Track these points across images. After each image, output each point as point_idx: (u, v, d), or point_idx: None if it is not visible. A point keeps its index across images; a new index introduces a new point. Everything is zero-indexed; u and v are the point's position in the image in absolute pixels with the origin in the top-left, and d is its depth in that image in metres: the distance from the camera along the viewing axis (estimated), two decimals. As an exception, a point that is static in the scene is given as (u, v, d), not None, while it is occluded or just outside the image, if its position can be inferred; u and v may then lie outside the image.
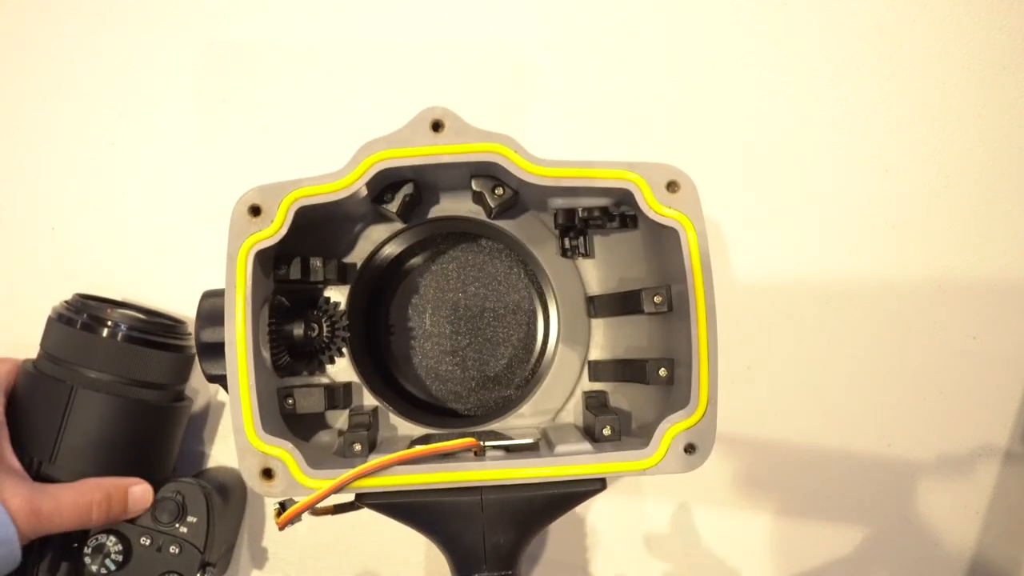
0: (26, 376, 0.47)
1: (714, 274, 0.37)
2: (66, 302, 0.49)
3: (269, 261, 0.41)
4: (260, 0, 0.58)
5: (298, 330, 0.43)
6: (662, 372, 0.40)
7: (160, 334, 0.48)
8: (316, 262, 0.43)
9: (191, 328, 0.48)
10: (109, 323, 0.46)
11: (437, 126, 0.38)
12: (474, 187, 0.41)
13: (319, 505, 0.37)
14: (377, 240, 0.46)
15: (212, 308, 0.40)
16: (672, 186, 0.38)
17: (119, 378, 0.46)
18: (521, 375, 0.49)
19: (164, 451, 0.49)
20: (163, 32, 0.58)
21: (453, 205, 0.45)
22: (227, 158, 0.58)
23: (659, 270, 0.42)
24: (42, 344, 0.48)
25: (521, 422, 0.45)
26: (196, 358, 0.41)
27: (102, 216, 0.57)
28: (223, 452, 0.56)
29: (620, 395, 0.45)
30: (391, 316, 0.49)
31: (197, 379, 0.55)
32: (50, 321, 0.47)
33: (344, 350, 0.45)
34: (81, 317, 0.46)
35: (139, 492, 0.44)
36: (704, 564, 0.57)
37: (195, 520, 0.45)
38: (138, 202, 0.58)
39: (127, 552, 0.45)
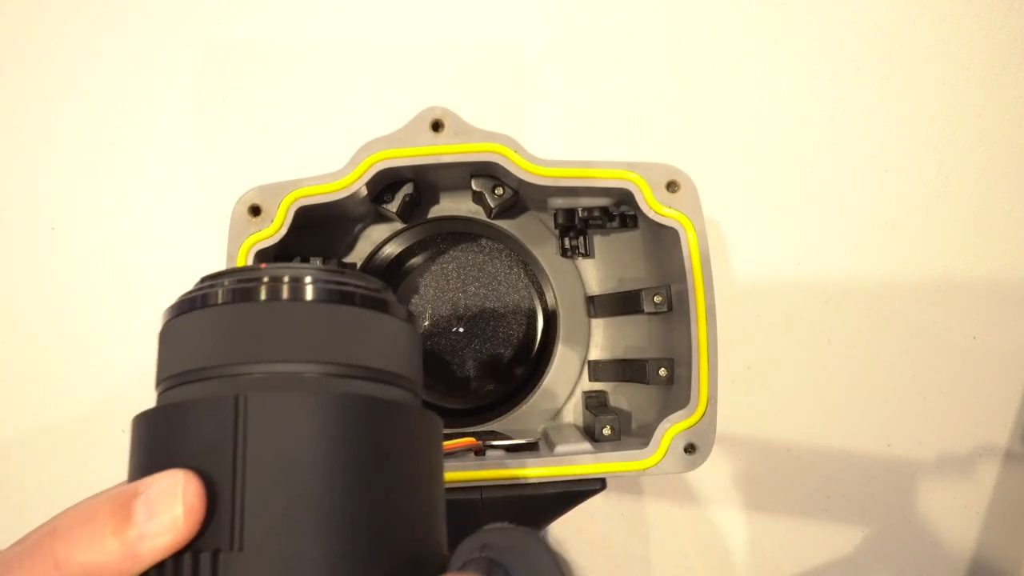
0: (145, 436, 0.23)
1: (714, 274, 0.37)
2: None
3: (269, 261, 0.41)
4: (260, 0, 0.58)
5: (298, 330, 0.43)
6: (662, 372, 0.40)
7: (374, 288, 0.24)
8: (316, 262, 0.43)
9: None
10: (283, 280, 0.23)
11: (437, 126, 0.38)
12: (474, 187, 0.41)
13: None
14: (377, 240, 0.46)
15: (212, 308, 0.40)
16: (672, 186, 0.38)
17: (321, 365, 0.22)
18: (521, 375, 0.49)
19: (431, 496, 0.23)
20: (163, 32, 0.58)
21: (453, 205, 0.45)
22: (227, 158, 0.58)
23: (659, 270, 0.42)
24: (162, 372, 0.24)
25: (521, 422, 0.45)
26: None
27: (102, 216, 0.57)
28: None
29: (620, 395, 0.45)
30: (391, 316, 0.49)
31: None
32: (171, 326, 0.25)
33: (344, 350, 0.45)
34: (230, 285, 0.24)
35: (159, 493, 0.20)
36: (704, 564, 0.57)
37: None
38: (138, 202, 0.58)
39: None
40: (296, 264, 0.27)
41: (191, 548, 0.19)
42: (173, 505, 0.19)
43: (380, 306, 0.24)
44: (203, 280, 0.25)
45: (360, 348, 0.23)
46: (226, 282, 0.23)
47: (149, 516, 0.19)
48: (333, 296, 0.23)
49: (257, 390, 0.21)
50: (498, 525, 0.22)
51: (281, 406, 0.20)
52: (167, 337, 0.24)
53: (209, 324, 0.23)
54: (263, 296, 0.23)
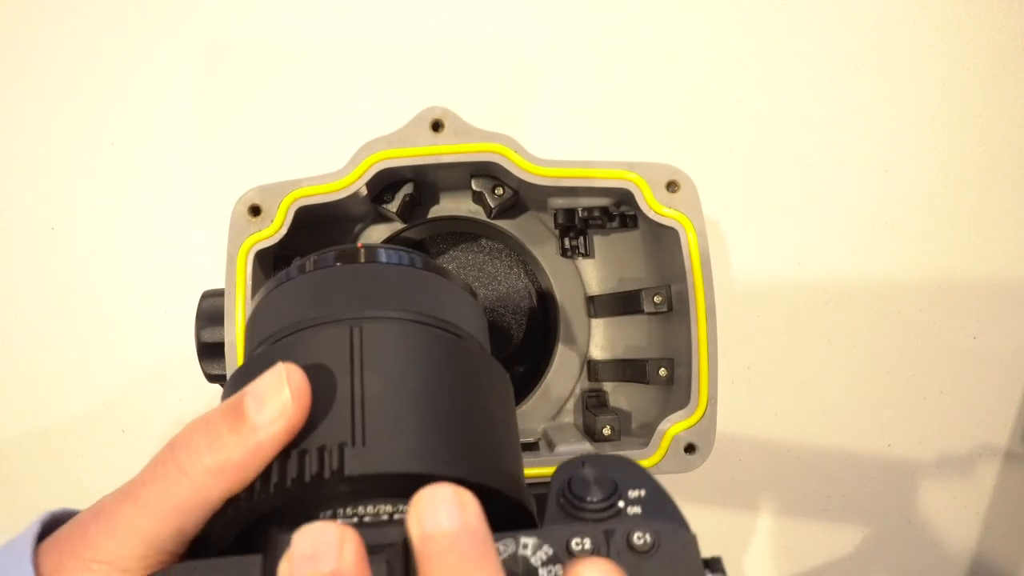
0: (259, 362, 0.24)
1: (714, 274, 0.37)
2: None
3: (269, 261, 0.41)
4: (260, 0, 0.58)
5: (298, 330, 0.42)
6: (662, 372, 0.40)
7: (434, 262, 0.29)
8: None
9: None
10: (360, 250, 0.27)
11: (437, 126, 0.38)
12: (474, 187, 0.41)
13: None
14: (377, 240, 0.46)
15: (212, 308, 0.40)
16: (672, 186, 0.38)
17: (410, 314, 0.25)
18: (521, 375, 0.49)
19: (510, 422, 0.26)
20: (163, 32, 0.58)
21: (453, 205, 0.45)
22: (227, 158, 0.58)
23: (659, 270, 0.42)
24: (267, 323, 0.26)
25: (521, 422, 0.45)
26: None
27: (102, 216, 0.57)
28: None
29: (620, 395, 0.45)
30: (391, 316, 0.49)
31: (198, 380, 0.55)
32: (266, 300, 0.27)
33: (344, 350, 0.45)
34: (315, 258, 0.27)
35: (265, 385, 0.21)
36: (704, 564, 0.57)
37: (643, 493, 0.23)
38: (138, 202, 0.58)
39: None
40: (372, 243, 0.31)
41: (317, 445, 0.20)
42: (280, 392, 0.20)
43: (443, 273, 0.27)
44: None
45: (434, 303, 0.26)
46: (311, 259, 0.26)
47: (260, 407, 0.20)
48: (404, 260, 0.27)
49: (368, 322, 0.23)
50: (592, 453, 0.24)
51: (391, 333, 0.23)
52: (264, 306, 0.26)
53: (294, 292, 0.26)
54: (349, 261, 0.26)
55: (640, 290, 0.41)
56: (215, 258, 0.57)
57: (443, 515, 0.18)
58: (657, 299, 0.40)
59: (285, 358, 0.22)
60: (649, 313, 0.40)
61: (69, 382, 0.57)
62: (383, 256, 0.26)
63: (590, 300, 0.46)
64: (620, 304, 0.44)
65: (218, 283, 0.38)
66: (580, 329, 0.46)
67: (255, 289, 0.37)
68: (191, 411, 0.56)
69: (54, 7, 0.58)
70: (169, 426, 0.57)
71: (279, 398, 0.20)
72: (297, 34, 0.58)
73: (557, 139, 0.58)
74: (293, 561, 0.17)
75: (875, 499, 0.57)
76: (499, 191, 0.41)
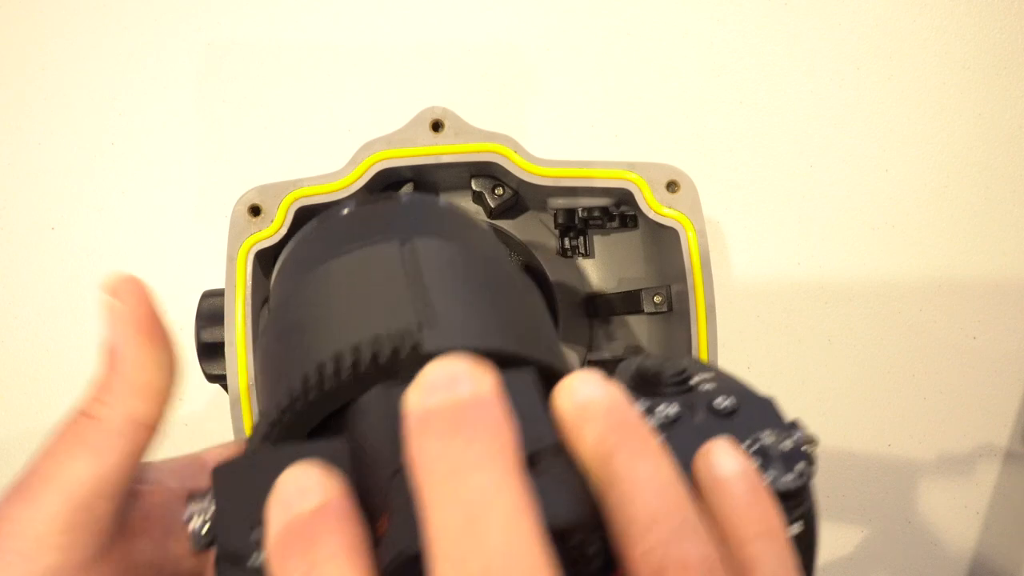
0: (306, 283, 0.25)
1: (714, 274, 0.37)
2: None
3: (269, 261, 0.41)
4: (260, 0, 0.58)
5: (298, 330, 0.43)
6: (662, 372, 0.40)
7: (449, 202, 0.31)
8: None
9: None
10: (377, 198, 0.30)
11: (437, 126, 0.38)
12: (474, 187, 0.41)
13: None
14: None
15: (212, 308, 0.40)
16: (672, 186, 0.38)
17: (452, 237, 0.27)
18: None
19: (547, 320, 0.27)
20: (163, 32, 0.58)
21: (453, 205, 0.45)
22: (227, 158, 0.58)
23: (659, 270, 0.42)
24: (297, 268, 0.27)
25: (521, 422, 0.45)
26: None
27: (102, 216, 0.57)
28: (223, 452, 0.56)
29: (620, 395, 0.45)
30: (391, 316, 0.49)
31: (198, 380, 0.55)
32: (304, 243, 0.28)
33: (344, 350, 0.45)
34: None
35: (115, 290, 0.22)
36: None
37: (712, 374, 0.23)
38: (138, 202, 0.58)
39: None
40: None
41: (388, 331, 0.21)
42: (108, 303, 0.22)
43: (462, 209, 0.29)
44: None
45: (464, 227, 0.28)
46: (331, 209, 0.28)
47: (110, 328, 0.22)
48: (425, 198, 0.29)
49: (417, 237, 0.25)
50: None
51: (437, 244, 0.25)
52: (289, 260, 0.28)
53: (324, 235, 0.27)
54: (383, 200, 0.28)
55: (640, 290, 0.41)
56: (215, 258, 0.57)
57: (595, 387, 0.18)
58: (657, 299, 0.40)
59: (333, 278, 0.23)
60: (649, 313, 0.40)
61: (69, 382, 0.57)
62: (404, 198, 0.28)
63: (590, 300, 0.46)
64: (620, 304, 0.44)
65: (218, 283, 0.38)
66: (580, 329, 0.46)
67: (255, 289, 0.37)
68: (191, 411, 0.56)
69: (54, 7, 0.58)
70: (168, 426, 0.57)
71: (111, 307, 0.21)
72: (297, 34, 0.58)
73: (557, 139, 0.58)
74: (425, 389, 0.16)
75: (875, 499, 0.57)
76: (499, 191, 0.41)
